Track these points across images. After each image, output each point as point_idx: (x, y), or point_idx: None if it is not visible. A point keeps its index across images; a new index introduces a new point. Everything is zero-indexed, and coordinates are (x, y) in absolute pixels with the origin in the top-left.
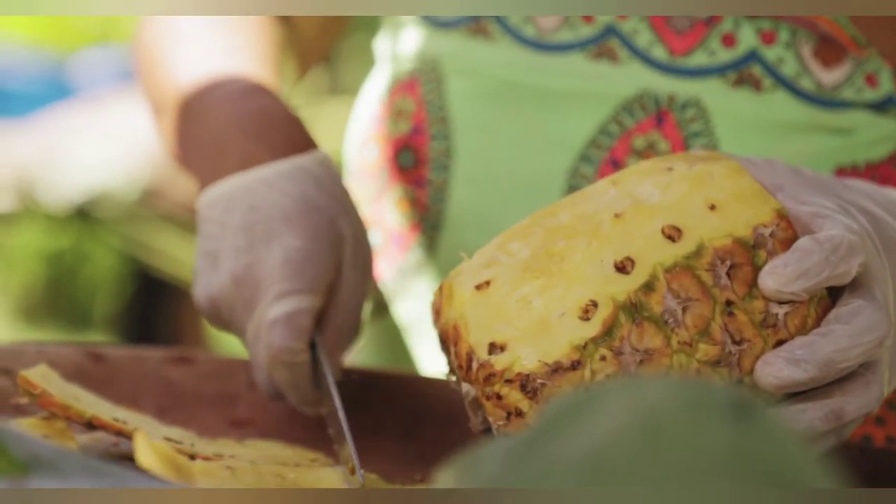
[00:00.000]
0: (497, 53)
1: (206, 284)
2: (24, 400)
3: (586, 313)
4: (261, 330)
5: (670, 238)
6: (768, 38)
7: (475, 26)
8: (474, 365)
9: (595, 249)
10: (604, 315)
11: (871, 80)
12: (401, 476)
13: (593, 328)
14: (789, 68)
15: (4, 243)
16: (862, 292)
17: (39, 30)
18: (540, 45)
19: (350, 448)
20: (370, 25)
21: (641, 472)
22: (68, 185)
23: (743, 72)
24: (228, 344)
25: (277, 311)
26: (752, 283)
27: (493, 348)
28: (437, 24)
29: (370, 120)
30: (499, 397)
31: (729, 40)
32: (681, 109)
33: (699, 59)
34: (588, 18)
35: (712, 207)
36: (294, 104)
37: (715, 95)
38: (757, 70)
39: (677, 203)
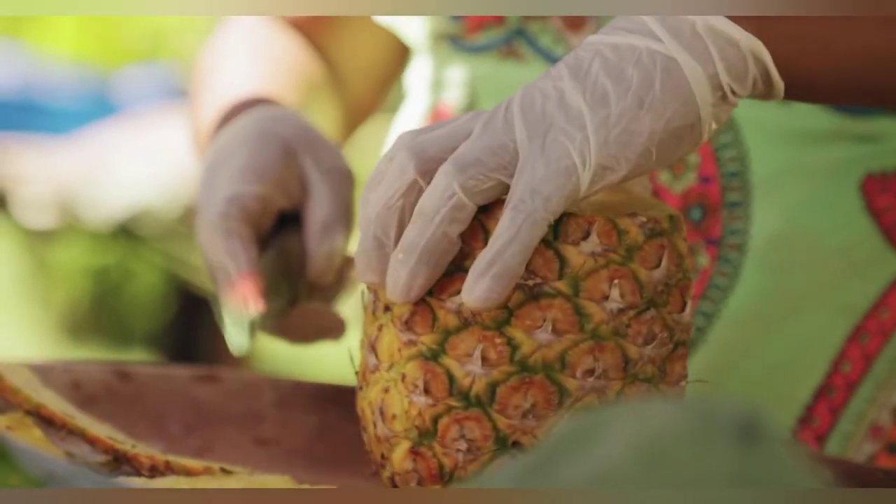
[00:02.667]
0: (529, 74)
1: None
2: None
3: None
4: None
5: None
6: None
7: (506, 49)
8: None
9: None
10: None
11: None
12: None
13: None
14: None
15: (48, 260)
16: None
17: (84, 46)
18: None
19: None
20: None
21: (646, 497)
22: (110, 203)
23: None
24: (255, 363)
25: (221, 192)
26: None
27: None
28: (468, 49)
29: None
30: None
31: None
32: None
33: None
34: None
35: None
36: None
37: (743, 106)
38: None
39: None
